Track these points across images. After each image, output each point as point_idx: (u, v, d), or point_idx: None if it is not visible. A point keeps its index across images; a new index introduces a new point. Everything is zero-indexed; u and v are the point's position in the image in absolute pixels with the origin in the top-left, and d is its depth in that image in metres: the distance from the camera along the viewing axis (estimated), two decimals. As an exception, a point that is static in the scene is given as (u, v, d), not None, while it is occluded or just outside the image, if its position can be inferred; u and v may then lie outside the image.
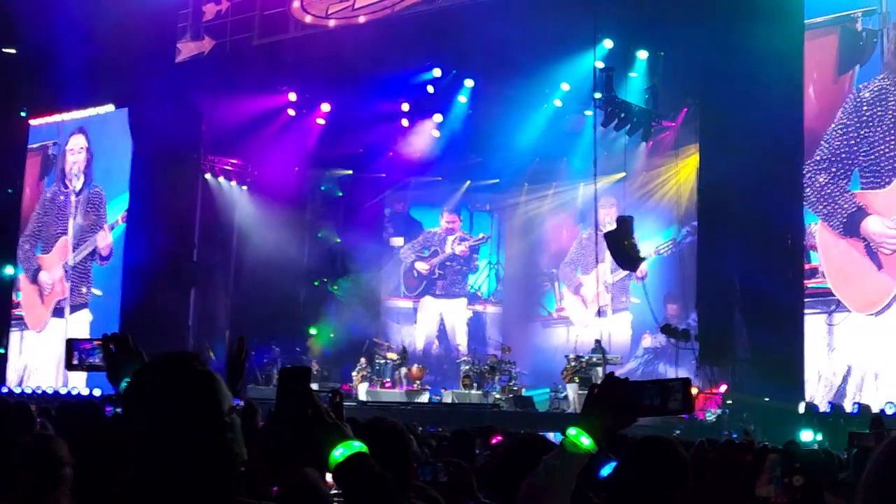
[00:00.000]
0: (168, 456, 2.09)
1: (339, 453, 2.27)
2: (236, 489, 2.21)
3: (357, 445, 2.30)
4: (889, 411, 14.44)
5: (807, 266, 16.41)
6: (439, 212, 27.36)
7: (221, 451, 2.16)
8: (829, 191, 16.09)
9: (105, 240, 24.40)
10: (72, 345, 3.47)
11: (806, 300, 16.28)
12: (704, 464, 2.49)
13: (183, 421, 2.12)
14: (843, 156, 16.00)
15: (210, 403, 2.17)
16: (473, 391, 21.72)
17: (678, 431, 13.48)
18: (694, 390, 16.82)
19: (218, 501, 2.14)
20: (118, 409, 5.24)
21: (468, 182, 26.54)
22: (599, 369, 20.05)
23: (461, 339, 26.79)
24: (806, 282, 16.37)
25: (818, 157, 16.26)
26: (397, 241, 27.70)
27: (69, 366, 3.47)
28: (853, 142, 15.92)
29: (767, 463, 2.54)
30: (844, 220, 15.89)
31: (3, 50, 24.19)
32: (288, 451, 2.39)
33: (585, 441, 2.56)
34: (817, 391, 15.85)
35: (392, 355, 24.05)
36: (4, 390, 24.09)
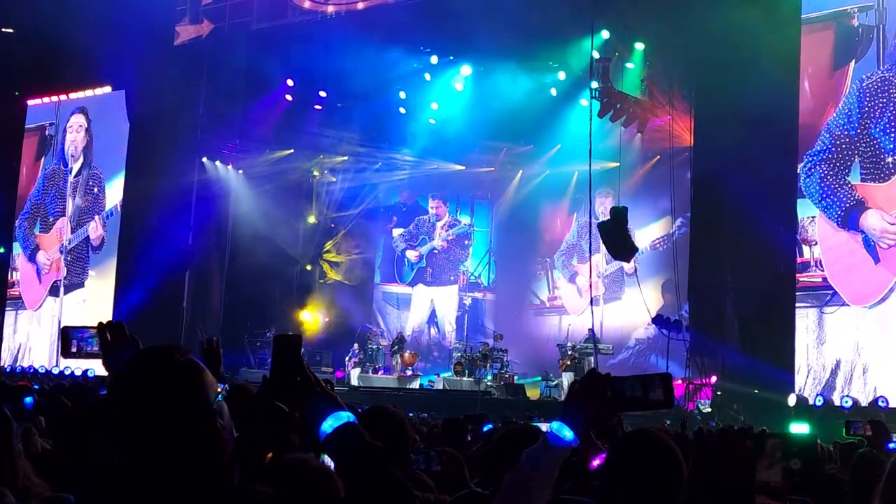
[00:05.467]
0: (158, 447, 2.10)
1: (328, 425, 2.28)
2: (230, 471, 2.20)
3: (346, 416, 2.30)
4: (880, 405, 14.58)
5: (799, 260, 16.49)
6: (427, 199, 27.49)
7: (212, 439, 2.16)
8: (828, 182, 16.14)
9: (97, 231, 24.39)
10: (68, 333, 3.43)
11: (797, 293, 16.36)
12: (706, 451, 2.55)
13: (170, 411, 2.12)
14: (844, 148, 16.06)
15: (196, 392, 2.17)
16: (465, 378, 21.82)
17: (668, 422, 13.55)
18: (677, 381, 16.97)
19: (212, 488, 2.14)
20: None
21: (463, 168, 26.60)
22: (591, 359, 20.16)
23: (451, 327, 26.89)
24: (798, 275, 16.45)
25: (818, 148, 16.32)
26: (398, 232, 27.78)
27: (66, 353, 3.43)
28: (854, 133, 15.98)
29: (768, 447, 2.61)
30: (842, 212, 15.93)
31: (1, 30, 24.14)
32: (279, 418, 2.36)
33: (568, 434, 2.58)
34: (806, 384, 15.96)
35: (384, 341, 24.19)
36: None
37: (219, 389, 2.22)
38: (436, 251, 27.25)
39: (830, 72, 16.56)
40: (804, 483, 2.65)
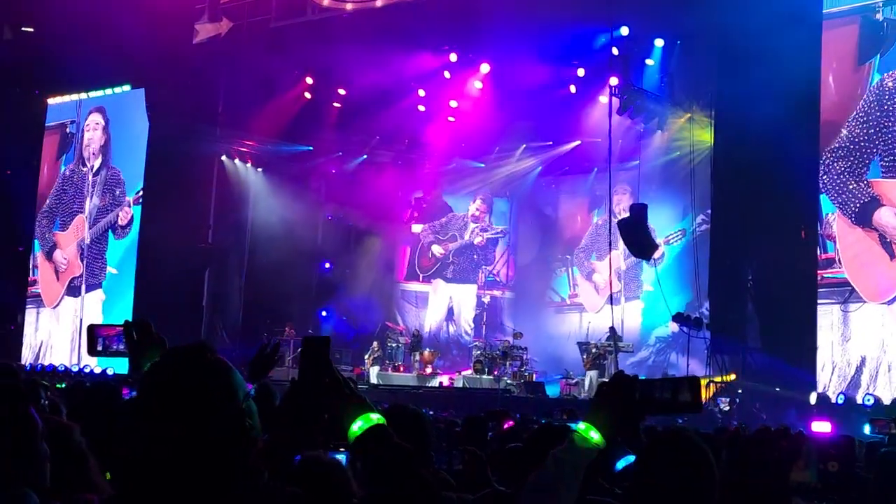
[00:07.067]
0: (187, 446, 2.08)
1: (357, 426, 2.32)
2: (258, 472, 2.19)
3: (375, 418, 2.34)
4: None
5: (822, 256, 16.36)
6: (469, 198, 27.38)
7: (240, 439, 2.13)
8: (844, 179, 16.06)
9: (126, 213, 24.34)
10: (94, 331, 3.44)
11: (820, 290, 16.24)
12: (739, 450, 2.50)
13: (199, 411, 2.09)
14: (863, 144, 15.95)
15: (225, 392, 2.14)
16: (485, 376, 21.78)
17: (681, 421, 13.43)
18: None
19: (240, 489, 2.12)
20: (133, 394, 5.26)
21: (482, 165, 26.56)
22: (612, 357, 20.08)
23: (468, 325, 26.84)
24: (820, 272, 16.32)
25: (836, 145, 16.22)
26: (417, 228, 27.72)
27: (92, 351, 3.44)
28: (873, 131, 15.87)
29: (804, 449, 2.56)
30: (857, 209, 15.87)
31: (21, 29, 24.23)
32: (307, 420, 2.39)
33: (595, 436, 2.57)
34: (830, 382, 15.84)
35: (404, 339, 24.17)
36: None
37: (248, 391, 2.20)
38: (468, 248, 27.16)
39: (855, 67, 16.44)
40: (839, 484, 2.60)
